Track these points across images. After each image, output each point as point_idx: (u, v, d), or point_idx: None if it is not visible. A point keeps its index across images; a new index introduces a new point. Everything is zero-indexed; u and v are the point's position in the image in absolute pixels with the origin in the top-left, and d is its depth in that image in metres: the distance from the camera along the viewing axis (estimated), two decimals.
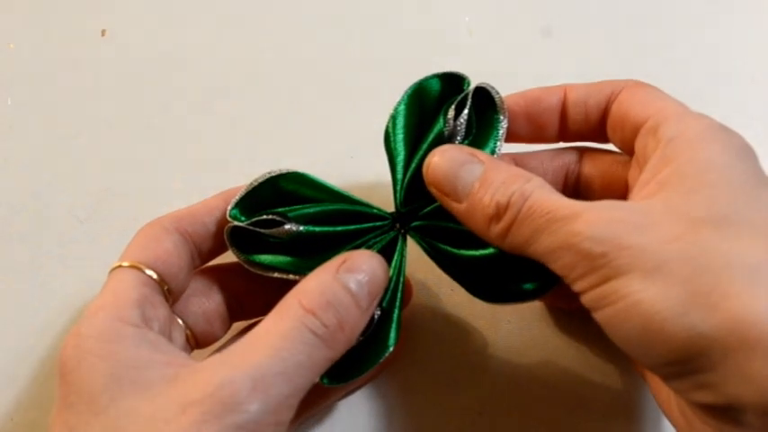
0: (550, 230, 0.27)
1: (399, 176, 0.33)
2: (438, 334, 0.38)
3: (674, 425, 0.30)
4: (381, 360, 0.31)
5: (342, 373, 0.31)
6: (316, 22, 0.45)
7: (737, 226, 0.25)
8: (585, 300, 0.27)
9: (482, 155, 0.31)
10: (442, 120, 0.33)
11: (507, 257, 0.30)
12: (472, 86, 0.33)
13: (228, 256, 0.33)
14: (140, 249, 0.30)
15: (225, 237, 0.32)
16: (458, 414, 0.36)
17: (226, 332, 0.34)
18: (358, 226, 0.33)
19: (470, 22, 0.45)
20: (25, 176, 0.42)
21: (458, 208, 0.31)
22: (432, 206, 0.33)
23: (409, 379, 0.37)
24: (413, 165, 0.33)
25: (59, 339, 0.38)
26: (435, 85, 0.34)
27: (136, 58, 0.45)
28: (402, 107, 0.34)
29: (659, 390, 0.31)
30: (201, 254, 0.33)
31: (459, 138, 0.33)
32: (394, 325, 0.31)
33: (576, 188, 0.35)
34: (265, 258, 0.32)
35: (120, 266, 0.30)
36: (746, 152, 0.28)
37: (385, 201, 0.34)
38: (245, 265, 0.32)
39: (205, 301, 0.33)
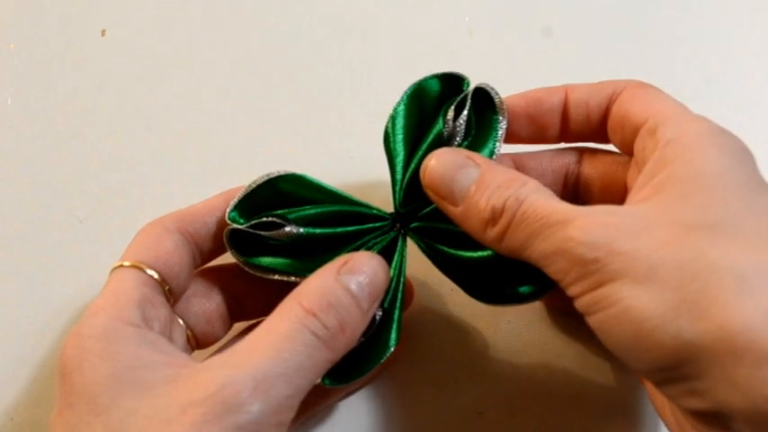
0: (544, 235, 0.27)
1: (399, 177, 0.33)
2: (438, 334, 0.38)
3: (669, 428, 0.30)
4: (382, 360, 0.31)
5: (343, 374, 0.31)
6: (316, 22, 0.45)
7: (730, 232, 0.25)
8: (579, 304, 0.27)
9: (479, 158, 0.31)
10: (441, 120, 0.33)
11: (504, 260, 0.30)
12: (471, 87, 0.33)
13: (229, 257, 0.33)
14: (141, 249, 0.30)
15: (224, 239, 0.32)
16: (458, 414, 0.36)
17: (226, 332, 0.34)
18: (358, 227, 0.33)
19: (470, 22, 0.45)
20: (25, 176, 0.42)
21: (454, 211, 0.31)
22: (430, 207, 0.33)
23: (409, 379, 0.37)
24: (412, 165, 0.33)
25: (60, 339, 0.38)
26: (435, 86, 0.34)
27: (136, 58, 0.45)
28: (401, 107, 0.34)
29: (655, 393, 0.31)
30: (203, 254, 0.33)
31: (458, 139, 0.33)
32: (395, 325, 0.32)
33: (575, 189, 0.35)
34: (265, 260, 0.32)
35: (121, 266, 0.30)
36: (744, 156, 0.28)
37: (385, 201, 0.34)
38: (245, 268, 0.32)
39: (206, 302, 0.33)
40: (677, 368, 0.24)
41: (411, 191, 0.33)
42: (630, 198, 0.29)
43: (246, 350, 0.27)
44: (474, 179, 0.30)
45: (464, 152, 0.32)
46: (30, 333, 0.38)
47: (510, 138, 0.34)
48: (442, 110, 0.33)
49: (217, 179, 0.36)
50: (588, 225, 0.26)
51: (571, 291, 0.27)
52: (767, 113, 0.43)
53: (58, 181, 0.42)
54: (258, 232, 0.32)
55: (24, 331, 0.38)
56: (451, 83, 0.34)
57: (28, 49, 0.45)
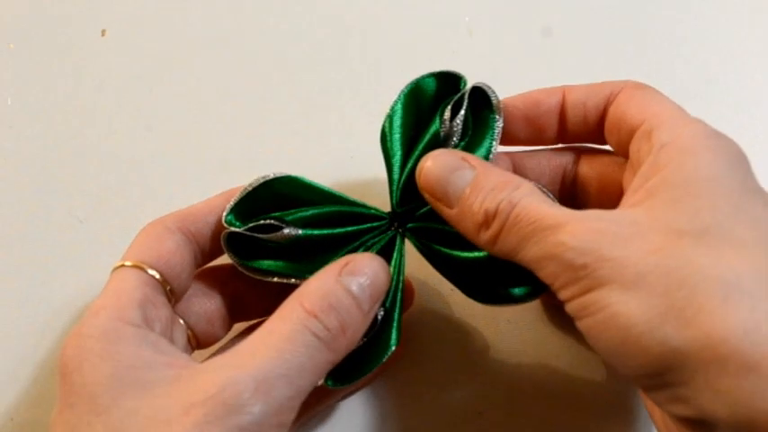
0: (536, 239, 0.27)
1: (396, 177, 0.33)
2: (438, 334, 0.38)
3: (658, 431, 0.31)
4: (384, 361, 0.31)
5: (344, 375, 0.31)
6: (315, 23, 0.45)
7: (719, 239, 0.25)
8: (569, 308, 0.27)
9: (475, 160, 0.31)
10: (438, 120, 0.33)
11: (499, 261, 0.30)
12: (468, 86, 0.33)
13: None
14: (143, 249, 0.30)
15: (222, 243, 0.32)
16: (458, 414, 0.36)
17: (227, 333, 0.34)
18: (356, 227, 0.33)
19: (470, 22, 0.45)
20: (25, 176, 0.42)
21: (449, 213, 0.31)
22: (427, 207, 0.33)
23: (409, 379, 0.37)
24: (408, 165, 0.33)
25: (60, 339, 0.38)
26: (431, 84, 0.34)
27: (136, 58, 0.45)
28: (398, 106, 0.34)
29: (646, 396, 0.31)
30: (204, 253, 0.33)
31: (455, 138, 0.33)
32: (395, 325, 0.32)
33: (572, 189, 0.35)
34: (264, 263, 0.32)
35: (122, 266, 0.30)
36: (738, 160, 0.28)
37: (386, 201, 0.34)
38: (244, 271, 0.32)
39: (206, 302, 0.33)
40: (663, 375, 0.24)
41: (408, 191, 0.33)
42: (624, 201, 0.29)
43: (248, 351, 0.27)
44: (468, 181, 0.30)
45: (460, 154, 0.32)
46: (30, 333, 0.38)
47: (508, 140, 0.34)
48: (439, 109, 0.33)
49: (217, 179, 0.36)
50: (579, 230, 0.26)
51: (561, 295, 0.27)
52: (767, 113, 0.43)
53: (58, 181, 0.42)
54: (257, 235, 0.32)
55: (24, 331, 0.38)
56: (448, 81, 0.34)
57: (28, 49, 0.45)
